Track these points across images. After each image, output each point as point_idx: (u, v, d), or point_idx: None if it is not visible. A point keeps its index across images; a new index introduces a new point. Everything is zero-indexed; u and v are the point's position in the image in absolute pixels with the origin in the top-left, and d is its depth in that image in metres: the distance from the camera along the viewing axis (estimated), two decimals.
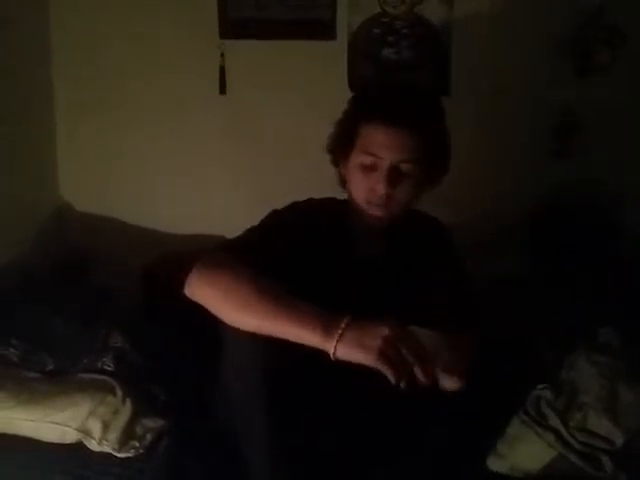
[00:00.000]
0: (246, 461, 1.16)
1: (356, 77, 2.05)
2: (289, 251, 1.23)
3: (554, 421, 1.32)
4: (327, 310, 1.08)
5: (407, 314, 1.16)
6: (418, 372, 1.02)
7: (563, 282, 1.80)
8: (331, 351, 1.04)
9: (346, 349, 1.03)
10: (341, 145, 1.34)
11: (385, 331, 1.03)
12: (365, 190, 1.26)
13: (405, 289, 1.30)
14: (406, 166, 1.24)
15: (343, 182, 1.38)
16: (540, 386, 1.41)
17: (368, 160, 1.25)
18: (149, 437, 1.37)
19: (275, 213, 1.33)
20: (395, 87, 1.36)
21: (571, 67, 2.00)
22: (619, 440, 1.26)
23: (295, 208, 1.35)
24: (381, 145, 1.24)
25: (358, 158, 1.27)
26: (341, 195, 1.38)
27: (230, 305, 1.12)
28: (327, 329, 1.05)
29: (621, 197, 1.99)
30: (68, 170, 2.19)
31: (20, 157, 1.98)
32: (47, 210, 2.15)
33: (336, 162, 1.39)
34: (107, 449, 1.34)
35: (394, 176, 1.24)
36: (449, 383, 1.06)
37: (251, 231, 1.29)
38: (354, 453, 1.23)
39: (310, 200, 1.38)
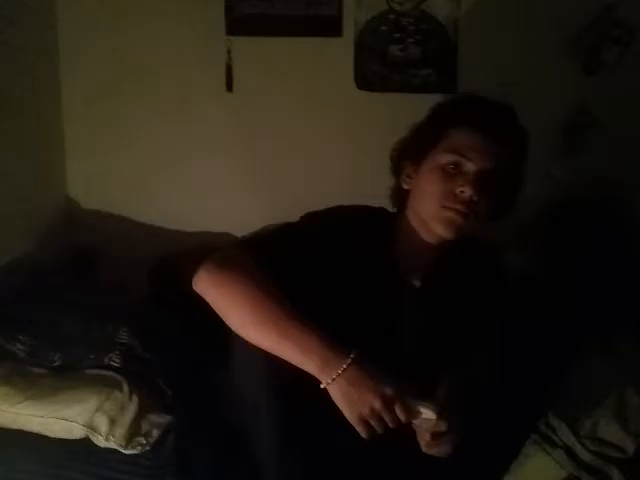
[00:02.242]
0: (254, 457, 1.16)
1: (362, 74, 2.04)
2: (317, 263, 1.18)
3: (564, 431, 1.30)
4: (333, 341, 1.05)
5: (431, 355, 1.17)
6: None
7: (572, 281, 1.78)
8: (323, 385, 1.04)
9: (335, 393, 1.03)
10: (419, 147, 1.25)
11: (376, 404, 1.02)
12: (443, 193, 1.18)
13: (437, 329, 1.25)
14: (489, 178, 1.18)
15: (399, 196, 1.30)
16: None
17: (452, 160, 1.18)
18: (156, 433, 1.37)
19: (313, 216, 1.26)
20: (491, 101, 1.25)
21: (579, 64, 1.99)
22: (630, 448, 1.24)
23: (336, 215, 1.27)
24: (473, 148, 1.17)
25: (441, 158, 1.20)
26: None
27: (235, 315, 1.11)
28: (325, 365, 1.04)
29: (632, 195, 1.98)
30: (75, 167, 2.19)
31: (27, 154, 1.98)
32: (54, 207, 2.15)
33: (398, 171, 1.30)
34: (114, 445, 1.34)
35: (480, 182, 1.17)
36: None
37: (280, 230, 1.25)
38: (365, 458, 1.22)
39: (356, 208, 1.30)
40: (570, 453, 1.26)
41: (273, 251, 1.18)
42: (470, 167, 1.18)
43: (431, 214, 1.20)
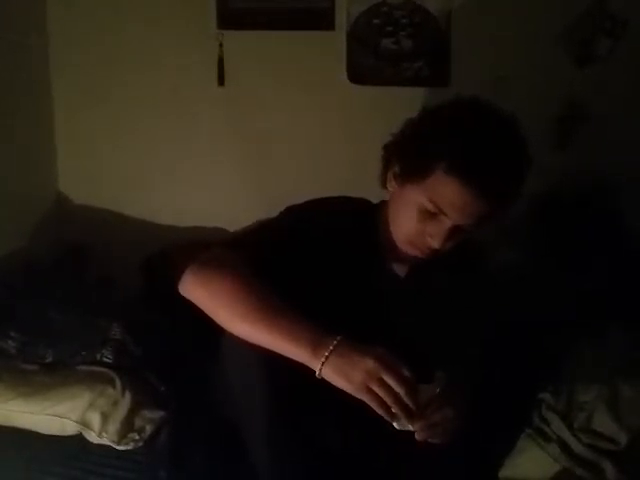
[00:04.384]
0: (246, 452, 1.15)
1: (355, 67, 2.03)
2: (301, 258, 1.16)
3: (557, 425, 1.30)
4: (321, 327, 1.04)
5: (416, 345, 1.14)
6: (405, 402, 0.99)
7: (565, 274, 1.79)
8: (316, 372, 1.02)
9: (330, 373, 1.01)
10: (406, 165, 1.18)
11: (369, 364, 0.99)
12: (413, 233, 1.16)
13: (419, 315, 1.25)
14: (465, 227, 1.14)
15: (385, 182, 1.26)
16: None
17: (431, 210, 1.12)
18: (149, 429, 1.37)
19: (292, 211, 1.26)
20: (497, 141, 1.11)
21: (572, 56, 1.99)
22: (623, 439, 1.24)
23: (316, 207, 1.26)
24: (455, 206, 1.10)
25: (420, 199, 1.13)
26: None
27: (223, 312, 1.10)
28: (315, 348, 1.02)
29: (622, 188, 1.98)
30: (66, 163, 2.18)
31: (18, 149, 1.97)
32: (46, 202, 2.14)
33: (389, 163, 1.24)
34: (106, 441, 1.34)
35: (453, 234, 1.14)
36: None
37: (263, 227, 1.25)
38: (360, 453, 1.22)
39: (335, 199, 1.28)
40: (564, 446, 1.26)
41: (257, 249, 1.18)
42: (447, 222, 1.13)
43: (399, 242, 1.20)
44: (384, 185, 1.27)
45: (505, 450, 1.31)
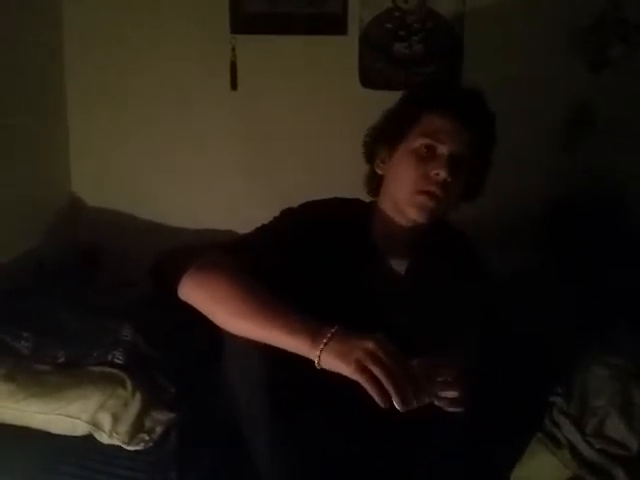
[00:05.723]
0: (254, 453, 1.15)
1: (367, 72, 2.04)
2: (299, 260, 1.18)
3: (568, 429, 1.29)
4: (319, 319, 1.05)
5: (418, 342, 1.13)
6: (402, 392, 0.95)
7: (574, 279, 1.78)
8: (315, 360, 1.01)
9: (329, 359, 1.00)
10: (393, 132, 1.29)
11: (368, 344, 0.98)
12: (417, 178, 1.21)
13: (420, 313, 1.25)
14: (461, 161, 1.22)
15: (372, 182, 1.34)
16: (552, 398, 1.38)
17: (425, 143, 1.22)
18: (159, 430, 1.37)
19: (288, 213, 1.28)
20: (460, 86, 1.36)
21: (585, 61, 1.98)
22: (634, 445, 1.23)
23: (311, 209, 1.29)
24: (444, 131, 1.21)
25: (414, 142, 1.23)
26: (352, 193, 1.34)
27: (221, 310, 1.12)
28: (313, 338, 1.02)
29: (630, 192, 1.97)
30: (80, 165, 2.20)
31: (32, 151, 1.99)
32: (59, 204, 2.16)
33: (372, 156, 1.34)
34: (117, 442, 1.34)
35: (453, 165, 1.21)
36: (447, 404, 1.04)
37: (260, 231, 1.26)
38: (360, 453, 1.21)
39: (329, 200, 1.31)
40: (574, 452, 1.26)
41: (254, 252, 1.19)
42: (443, 150, 1.21)
43: (405, 199, 1.23)
44: (370, 189, 1.35)
45: (512, 452, 1.30)
